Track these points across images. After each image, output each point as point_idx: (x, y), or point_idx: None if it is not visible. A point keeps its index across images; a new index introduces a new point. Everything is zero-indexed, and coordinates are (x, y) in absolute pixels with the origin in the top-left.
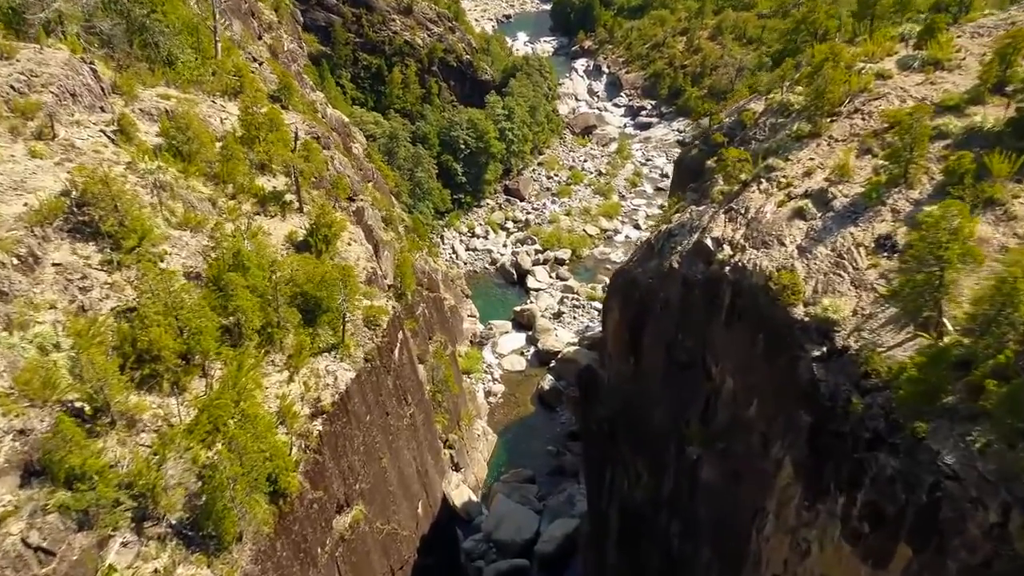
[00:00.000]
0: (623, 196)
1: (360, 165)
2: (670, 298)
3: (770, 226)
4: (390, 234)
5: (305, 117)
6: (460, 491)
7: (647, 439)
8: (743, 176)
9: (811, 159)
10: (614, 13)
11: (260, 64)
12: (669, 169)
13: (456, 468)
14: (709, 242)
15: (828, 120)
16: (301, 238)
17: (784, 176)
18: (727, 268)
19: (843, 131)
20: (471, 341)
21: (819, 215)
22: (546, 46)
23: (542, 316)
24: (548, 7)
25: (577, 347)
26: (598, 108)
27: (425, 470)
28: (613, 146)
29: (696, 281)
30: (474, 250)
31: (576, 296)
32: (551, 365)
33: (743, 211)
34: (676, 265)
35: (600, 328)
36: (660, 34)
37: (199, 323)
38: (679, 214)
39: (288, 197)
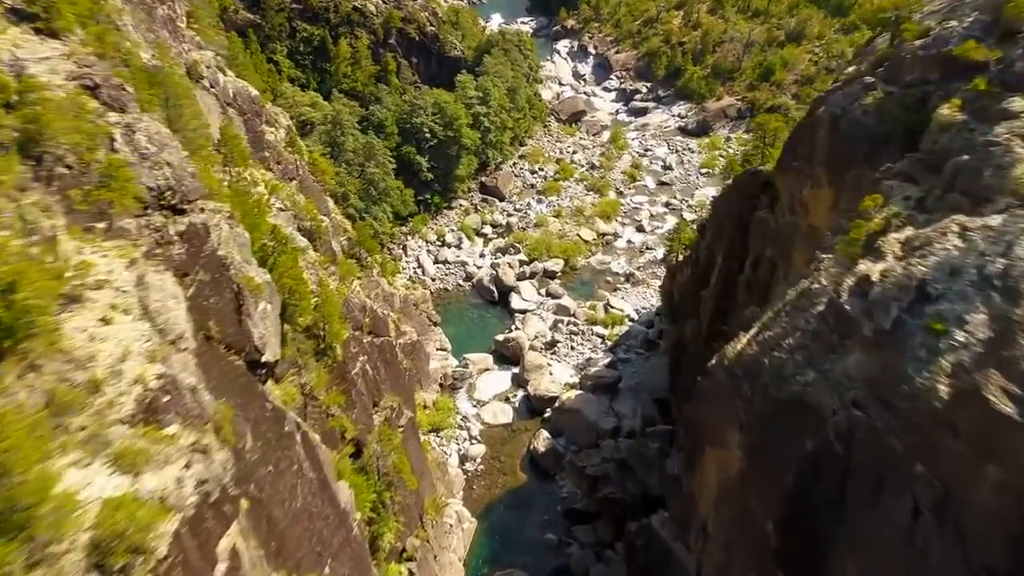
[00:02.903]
0: (621, 192)
1: (278, 157)
2: (968, 478)
3: None
4: (312, 256)
5: (75, 50)
6: None
7: None
8: None
9: None
10: None
11: None
12: (672, 160)
13: None
14: None
15: None
16: None
17: None
18: None
19: None
20: (441, 384)
21: None
22: (524, 27)
23: (532, 348)
24: None
25: (579, 391)
26: (586, 93)
27: None
28: (606, 135)
29: None
30: (444, 263)
31: (573, 319)
32: (545, 416)
33: None
34: (988, 391)
35: (606, 363)
36: (653, 9)
37: None
38: (897, 233)
39: None
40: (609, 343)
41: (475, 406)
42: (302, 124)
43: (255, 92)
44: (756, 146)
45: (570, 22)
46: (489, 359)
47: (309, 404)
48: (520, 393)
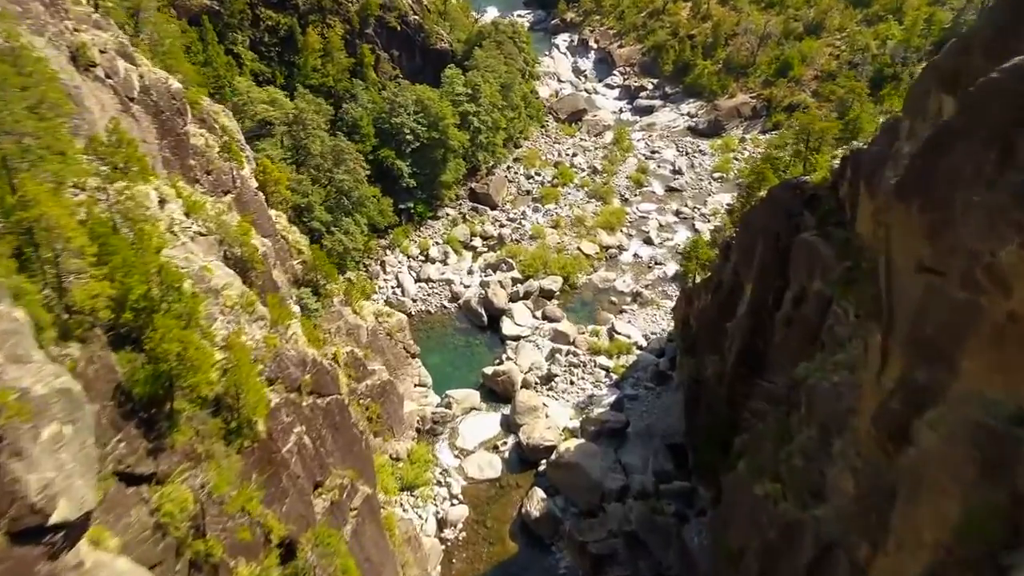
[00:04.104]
0: (626, 199)
1: (208, 165)
2: None
3: None
4: (232, 296)
5: None
6: None
7: None
8: None
9: None
10: None
11: None
12: (681, 163)
13: None
14: None
15: None
16: None
17: None
18: None
19: None
20: (418, 429)
21: None
22: (521, 20)
23: (525, 384)
24: None
25: (580, 440)
26: (587, 90)
27: None
28: (608, 136)
29: None
30: (427, 281)
31: (573, 348)
32: (540, 469)
33: None
34: None
35: (611, 402)
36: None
37: None
38: None
39: None
40: (614, 376)
41: (457, 456)
42: (262, 124)
43: (177, 85)
44: (797, 151)
45: (570, 15)
46: (475, 396)
47: (208, 512)
48: (511, 440)
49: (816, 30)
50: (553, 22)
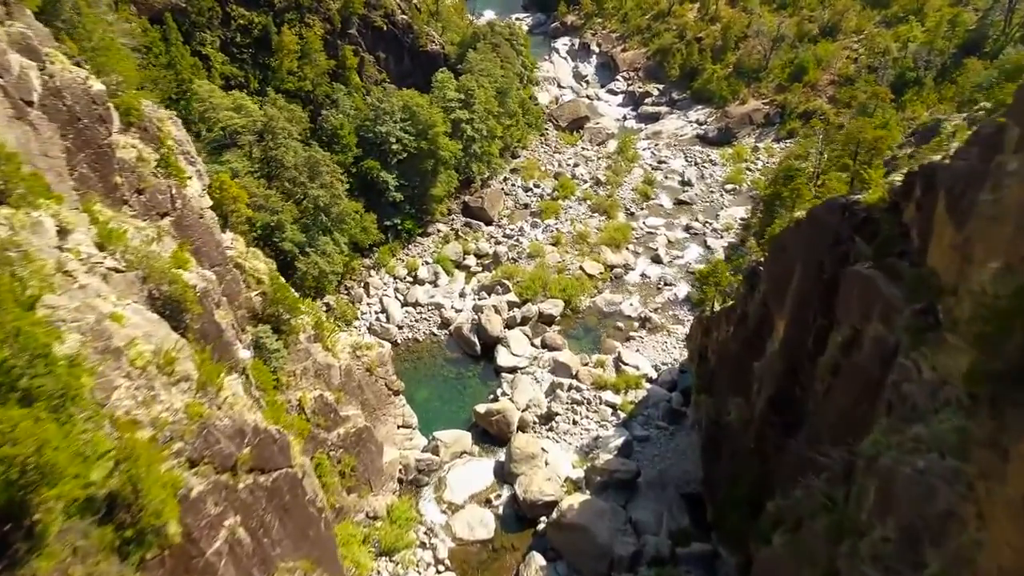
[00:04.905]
0: (632, 213)
1: (138, 183)
2: None
3: None
4: (144, 354)
5: None
6: None
7: None
8: None
9: None
10: None
11: None
12: (690, 174)
13: None
14: None
15: None
16: None
17: None
18: None
19: None
20: (400, 480)
21: None
22: (519, 23)
23: (522, 424)
24: None
25: (584, 494)
26: (588, 96)
27: None
28: (612, 144)
29: None
30: (415, 305)
31: (575, 383)
32: (539, 529)
33: None
34: None
35: (619, 444)
36: (664, 1)
37: None
38: None
39: None
40: (622, 414)
41: (445, 512)
42: (232, 134)
43: (99, 87)
44: (844, 164)
45: (570, 18)
46: (467, 438)
47: None
48: (505, 493)
49: (832, 32)
50: (553, 25)
